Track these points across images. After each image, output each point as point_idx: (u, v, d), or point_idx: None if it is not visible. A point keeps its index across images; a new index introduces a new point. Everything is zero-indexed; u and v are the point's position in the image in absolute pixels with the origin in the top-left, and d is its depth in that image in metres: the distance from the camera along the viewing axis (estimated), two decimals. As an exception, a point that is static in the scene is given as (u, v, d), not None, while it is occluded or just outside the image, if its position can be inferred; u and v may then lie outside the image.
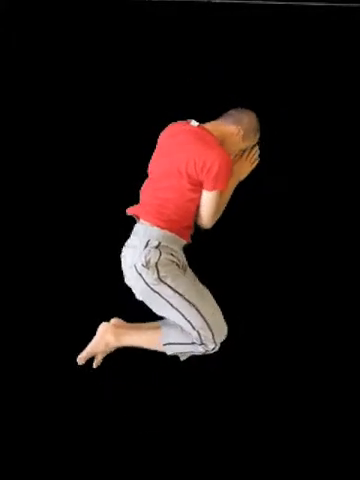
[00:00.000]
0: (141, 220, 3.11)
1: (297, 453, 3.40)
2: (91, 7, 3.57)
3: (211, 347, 3.07)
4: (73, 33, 3.57)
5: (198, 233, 3.22)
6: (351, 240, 3.55)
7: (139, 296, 3.11)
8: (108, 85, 3.58)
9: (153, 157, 3.20)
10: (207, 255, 3.41)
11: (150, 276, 3.01)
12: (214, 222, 3.16)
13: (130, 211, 3.16)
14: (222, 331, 3.09)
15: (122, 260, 3.13)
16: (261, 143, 3.33)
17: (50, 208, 3.56)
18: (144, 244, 3.04)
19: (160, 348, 3.16)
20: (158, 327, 3.18)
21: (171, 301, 3.03)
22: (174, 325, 3.11)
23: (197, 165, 3.02)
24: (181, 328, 3.08)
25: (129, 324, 3.25)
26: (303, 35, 3.56)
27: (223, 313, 3.12)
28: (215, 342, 3.06)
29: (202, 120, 3.18)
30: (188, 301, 3.02)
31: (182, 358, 3.18)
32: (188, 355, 3.17)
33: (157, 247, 3.03)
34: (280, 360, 3.48)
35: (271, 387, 3.46)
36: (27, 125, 3.58)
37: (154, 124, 3.48)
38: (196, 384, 3.44)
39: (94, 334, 3.23)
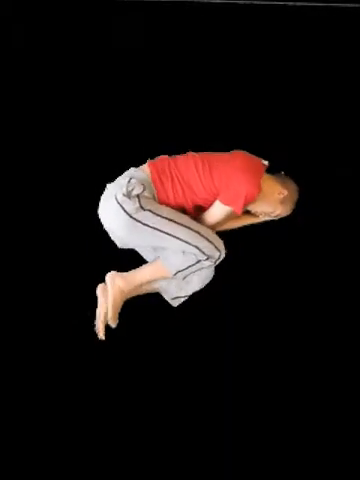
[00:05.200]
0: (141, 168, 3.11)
1: (297, 454, 3.41)
2: (90, 7, 3.58)
3: (217, 255, 3.06)
4: (73, 33, 3.58)
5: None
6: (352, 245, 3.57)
7: (121, 235, 3.06)
8: (108, 85, 3.59)
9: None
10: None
11: (131, 205, 2.97)
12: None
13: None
14: (220, 241, 3.08)
15: (103, 196, 3.10)
16: (261, 143, 3.33)
17: (48, 203, 3.58)
18: (127, 179, 3.04)
19: (167, 274, 3.11)
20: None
21: (157, 226, 2.99)
22: (173, 252, 3.08)
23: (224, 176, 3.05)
24: (181, 253, 3.06)
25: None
26: (303, 35, 3.56)
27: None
28: (218, 249, 3.06)
29: (201, 120, 3.19)
30: (174, 221, 3.01)
31: (174, 304, 3.18)
32: (178, 301, 3.17)
33: (141, 184, 3.02)
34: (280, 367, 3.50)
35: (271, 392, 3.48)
36: (26, 125, 3.59)
37: (154, 124, 3.50)
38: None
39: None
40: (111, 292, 3.15)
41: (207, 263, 3.08)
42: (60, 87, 3.60)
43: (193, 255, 3.06)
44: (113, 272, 3.17)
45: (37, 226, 3.53)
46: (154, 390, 3.43)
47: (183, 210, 3.14)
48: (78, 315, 3.31)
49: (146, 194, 3.02)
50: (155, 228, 3.01)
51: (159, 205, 3.04)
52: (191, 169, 3.09)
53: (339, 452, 3.41)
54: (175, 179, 3.09)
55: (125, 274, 3.17)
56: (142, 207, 2.99)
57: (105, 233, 3.13)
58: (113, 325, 3.14)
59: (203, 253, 3.05)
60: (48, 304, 3.48)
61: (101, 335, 3.11)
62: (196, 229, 3.05)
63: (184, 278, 3.15)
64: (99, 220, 3.15)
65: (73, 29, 3.60)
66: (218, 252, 3.07)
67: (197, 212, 3.19)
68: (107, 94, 3.59)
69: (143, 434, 3.41)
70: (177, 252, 3.08)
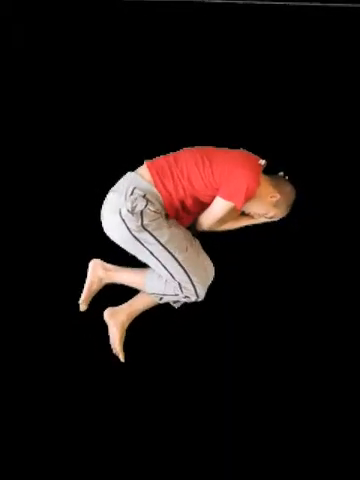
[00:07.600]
0: (139, 172, 3.14)
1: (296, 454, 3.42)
2: (90, 7, 3.58)
3: (193, 299, 3.15)
4: (73, 33, 3.58)
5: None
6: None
7: (119, 243, 3.14)
8: (107, 86, 3.59)
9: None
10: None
11: (133, 223, 3.02)
12: (210, 229, 3.21)
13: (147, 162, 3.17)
14: (206, 281, 3.14)
15: (104, 205, 3.14)
16: (260, 143, 3.34)
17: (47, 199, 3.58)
18: (130, 191, 3.07)
19: (145, 289, 3.22)
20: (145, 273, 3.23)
21: (152, 250, 3.06)
22: (158, 276, 3.15)
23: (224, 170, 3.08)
24: (165, 280, 3.13)
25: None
26: (303, 35, 3.56)
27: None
28: (197, 295, 3.13)
29: (201, 121, 3.18)
30: (169, 252, 3.06)
31: (176, 306, 3.25)
32: (179, 304, 3.25)
33: (143, 197, 3.05)
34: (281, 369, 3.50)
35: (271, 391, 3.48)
36: (26, 126, 3.59)
37: (154, 125, 3.50)
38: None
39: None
40: (89, 277, 3.27)
41: (183, 300, 3.18)
42: (60, 87, 3.60)
43: (173, 288, 3.13)
44: (97, 260, 3.28)
45: (37, 224, 3.54)
46: (154, 390, 3.43)
47: (183, 206, 3.14)
48: (77, 313, 3.32)
49: (150, 208, 3.04)
50: (149, 250, 3.08)
51: (163, 226, 3.06)
52: (191, 165, 3.11)
53: (339, 452, 3.41)
54: (175, 177, 3.10)
55: (108, 266, 3.27)
56: (144, 226, 3.03)
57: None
58: (83, 307, 3.27)
59: (181, 291, 3.13)
60: (48, 301, 3.48)
61: (122, 357, 3.26)
62: (187, 268, 3.09)
63: (160, 299, 3.22)
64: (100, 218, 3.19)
65: (73, 29, 3.60)
66: (195, 297, 3.15)
67: (198, 208, 3.19)
68: (107, 94, 3.59)
69: (143, 434, 3.41)
70: (162, 277, 3.15)
